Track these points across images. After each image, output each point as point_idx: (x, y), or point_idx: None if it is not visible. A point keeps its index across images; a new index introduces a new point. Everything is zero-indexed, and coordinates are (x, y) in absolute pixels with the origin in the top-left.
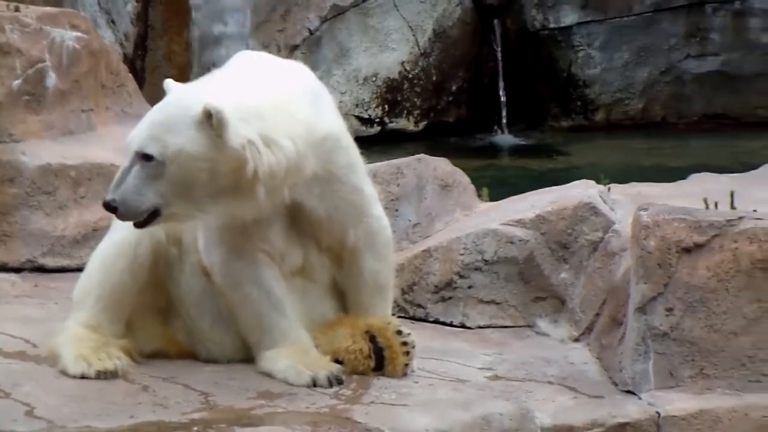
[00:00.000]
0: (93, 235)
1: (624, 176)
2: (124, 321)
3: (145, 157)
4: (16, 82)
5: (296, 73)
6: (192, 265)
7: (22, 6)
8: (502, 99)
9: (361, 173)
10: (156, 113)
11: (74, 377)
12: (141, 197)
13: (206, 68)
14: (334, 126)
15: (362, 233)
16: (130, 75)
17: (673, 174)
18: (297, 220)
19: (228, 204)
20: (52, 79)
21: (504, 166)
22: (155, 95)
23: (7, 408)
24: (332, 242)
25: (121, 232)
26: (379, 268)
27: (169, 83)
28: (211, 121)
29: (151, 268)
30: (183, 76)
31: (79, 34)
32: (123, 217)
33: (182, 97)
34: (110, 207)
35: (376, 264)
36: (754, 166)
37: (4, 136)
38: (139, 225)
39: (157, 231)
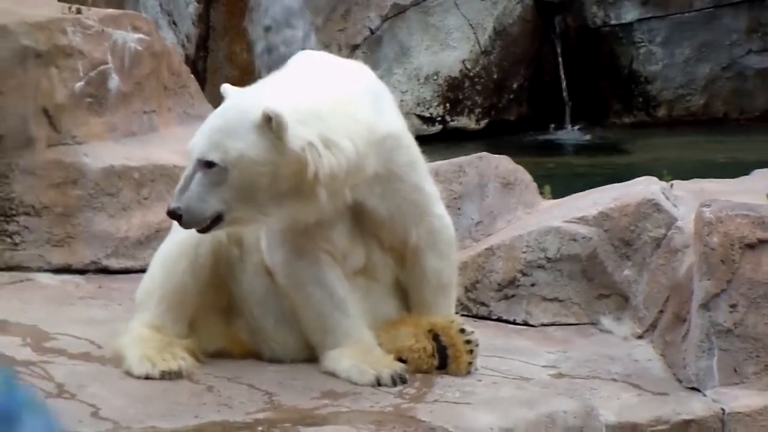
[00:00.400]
0: (156, 236)
1: (687, 172)
2: (188, 321)
3: (206, 164)
4: (79, 84)
5: (356, 72)
6: (254, 265)
7: (83, 8)
8: (565, 95)
9: (422, 172)
10: (215, 119)
11: (139, 378)
12: (204, 204)
13: (268, 69)
14: (395, 125)
15: (424, 232)
16: (192, 76)
17: (736, 170)
18: (359, 219)
19: (290, 207)
20: (114, 81)
21: (566, 163)
22: (217, 96)
23: (73, 409)
24: (394, 241)
25: (182, 232)
26: (442, 266)
27: (227, 88)
28: (270, 125)
29: (213, 268)
30: (245, 77)
31: (141, 35)
32: (187, 225)
33: (241, 102)
34: (175, 215)
35: (438, 263)
36: None
37: (67, 138)
38: (202, 231)
39: (218, 232)
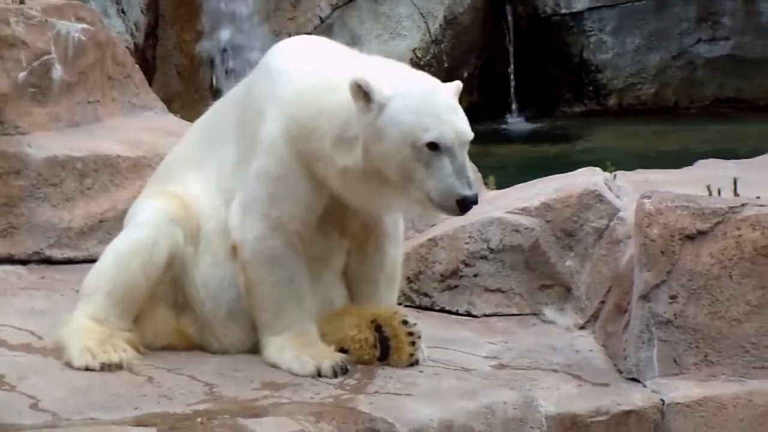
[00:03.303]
0: (99, 226)
1: (635, 161)
2: (133, 316)
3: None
4: (22, 75)
5: None
6: (213, 254)
7: None
8: (512, 85)
9: None
10: (451, 101)
11: (79, 369)
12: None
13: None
14: None
15: (392, 219)
16: (137, 66)
17: (685, 159)
18: (333, 202)
19: None
20: (58, 71)
21: (516, 152)
22: (166, 84)
23: (13, 401)
24: (358, 227)
25: (138, 230)
26: (396, 255)
27: (364, 78)
28: None
29: (166, 267)
30: (192, 66)
31: (84, 25)
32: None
33: (436, 82)
34: (475, 201)
35: (395, 251)
36: (764, 151)
37: (10, 129)
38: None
39: (175, 231)
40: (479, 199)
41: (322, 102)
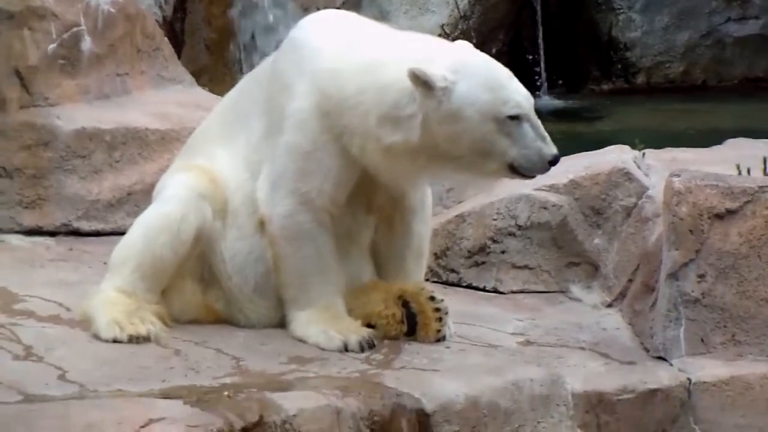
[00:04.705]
0: (127, 199)
1: (663, 140)
2: (160, 291)
3: None
4: (52, 46)
5: None
6: (239, 228)
7: None
8: (541, 62)
9: None
10: (505, 68)
11: (106, 341)
12: None
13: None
14: None
15: (419, 194)
16: (166, 39)
17: (712, 138)
18: (361, 178)
19: None
20: (87, 43)
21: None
22: (195, 57)
23: (40, 372)
24: (387, 203)
25: (166, 204)
26: (424, 231)
27: (420, 69)
28: None
29: (194, 243)
30: (222, 39)
31: None
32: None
33: (481, 53)
34: (558, 159)
35: (423, 227)
36: None
37: (40, 100)
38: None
39: (204, 207)
40: None
41: (365, 80)
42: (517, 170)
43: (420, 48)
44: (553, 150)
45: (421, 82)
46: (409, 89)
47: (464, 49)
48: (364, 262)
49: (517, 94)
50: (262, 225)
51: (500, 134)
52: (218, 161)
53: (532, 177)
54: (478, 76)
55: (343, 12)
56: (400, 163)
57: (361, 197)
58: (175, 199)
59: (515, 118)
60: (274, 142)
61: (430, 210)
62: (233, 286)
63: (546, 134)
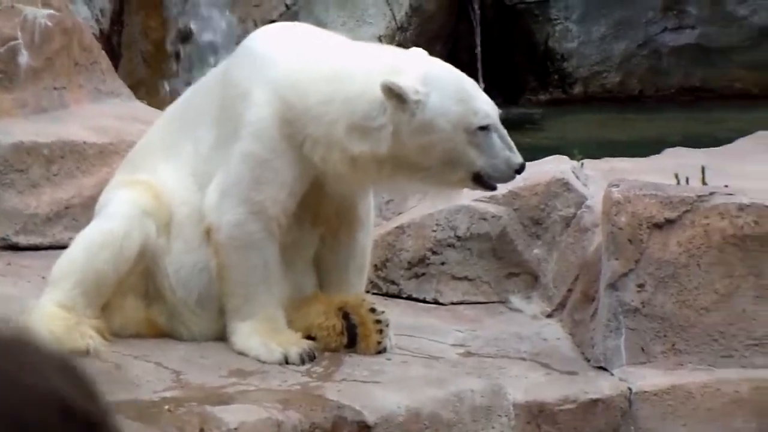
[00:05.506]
0: (66, 212)
1: (602, 150)
2: (101, 306)
3: None
4: None
5: None
6: (186, 241)
7: None
8: (479, 73)
9: None
10: (468, 78)
11: None
12: None
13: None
14: None
15: (366, 207)
16: (104, 52)
17: (651, 147)
18: (306, 191)
19: None
20: (24, 57)
21: None
22: (132, 70)
23: None
24: (332, 215)
25: (110, 221)
26: (367, 243)
27: (393, 82)
28: None
29: (137, 260)
30: (159, 52)
31: (51, 11)
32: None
33: (445, 63)
34: (524, 168)
35: (366, 239)
36: (730, 140)
37: None
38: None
39: (148, 224)
40: None
41: (330, 90)
42: (482, 179)
43: (384, 57)
44: (519, 159)
45: (395, 94)
46: (379, 100)
47: (428, 59)
48: (308, 274)
49: (486, 105)
50: (207, 234)
51: (470, 145)
52: (162, 175)
53: (494, 188)
54: (448, 88)
55: (296, 23)
56: (365, 173)
57: (308, 208)
58: (118, 215)
59: (484, 128)
60: (226, 152)
61: (372, 222)
62: (177, 300)
63: (512, 143)
